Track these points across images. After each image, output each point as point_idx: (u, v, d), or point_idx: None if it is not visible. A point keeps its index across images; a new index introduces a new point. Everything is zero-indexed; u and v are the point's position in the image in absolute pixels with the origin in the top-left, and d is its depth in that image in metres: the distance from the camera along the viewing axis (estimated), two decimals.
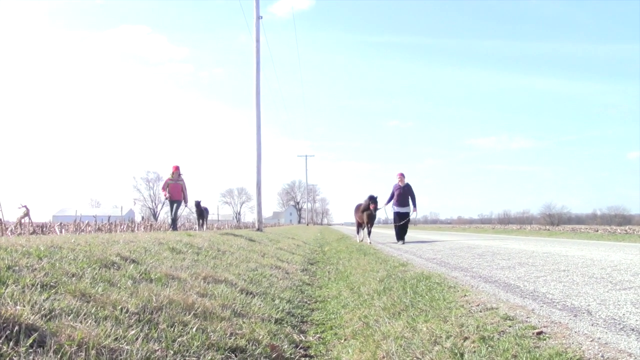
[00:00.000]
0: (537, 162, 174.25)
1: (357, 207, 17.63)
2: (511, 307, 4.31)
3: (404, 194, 16.42)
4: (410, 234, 19.03)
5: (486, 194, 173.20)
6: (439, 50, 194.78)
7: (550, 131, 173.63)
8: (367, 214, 16.55)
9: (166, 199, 17.26)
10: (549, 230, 32.11)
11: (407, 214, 16.45)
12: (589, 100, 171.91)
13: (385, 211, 17.19)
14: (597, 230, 26.86)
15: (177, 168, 17.18)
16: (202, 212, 20.27)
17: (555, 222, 70.59)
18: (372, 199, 16.28)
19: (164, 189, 17.31)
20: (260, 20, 25.38)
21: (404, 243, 15.45)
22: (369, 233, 17.13)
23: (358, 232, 19.03)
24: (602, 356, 2.87)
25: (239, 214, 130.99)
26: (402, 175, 16.58)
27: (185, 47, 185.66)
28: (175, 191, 17.02)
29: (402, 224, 16.29)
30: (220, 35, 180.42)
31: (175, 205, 17.16)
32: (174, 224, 17.60)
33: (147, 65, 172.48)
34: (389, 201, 16.70)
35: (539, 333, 3.44)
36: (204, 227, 20.83)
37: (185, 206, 17.86)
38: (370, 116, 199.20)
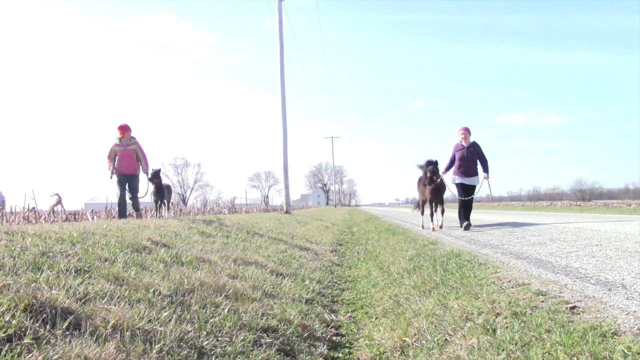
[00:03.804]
0: (567, 137, 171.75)
1: (420, 178, 12.54)
2: (543, 283, 4.25)
3: (470, 158, 11.29)
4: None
5: (515, 170, 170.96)
6: (464, 27, 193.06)
7: (580, 105, 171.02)
8: (429, 188, 11.64)
9: (112, 173, 11.75)
10: (580, 206, 31.61)
11: (472, 188, 11.47)
12: (619, 73, 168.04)
13: (445, 183, 11.84)
14: (630, 205, 26.33)
15: (125, 128, 11.84)
16: (161, 190, 13.52)
17: (586, 197, 69.16)
18: (430, 165, 11.58)
19: (109, 159, 11.78)
20: (282, 2, 25.35)
21: (468, 228, 10.98)
22: (442, 212, 12.20)
23: (422, 213, 13.08)
24: (639, 329, 2.82)
25: (267, 197, 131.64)
26: (466, 131, 11.40)
27: (211, 34, 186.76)
28: (127, 161, 11.84)
29: (466, 200, 11.39)
30: (245, 20, 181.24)
31: (128, 181, 11.97)
32: (134, 207, 12.43)
33: (173, 52, 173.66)
34: (447, 168, 11.65)
35: (573, 307, 3.39)
36: (165, 211, 14.16)
37: (147, 174, 12.57)
38: (396, 96, 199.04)
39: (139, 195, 12.44)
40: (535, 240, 7.74)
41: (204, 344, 3.28)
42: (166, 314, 3.50)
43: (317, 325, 4.48)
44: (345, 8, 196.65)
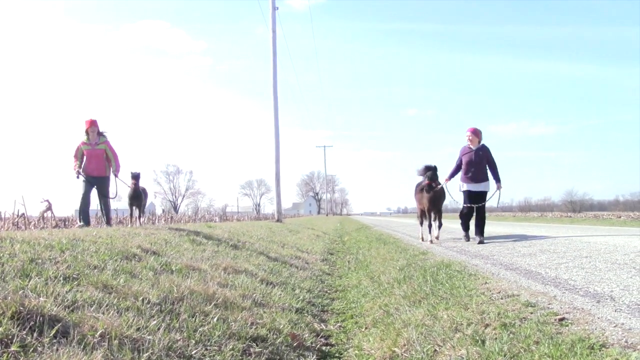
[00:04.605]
0: (558, 148, 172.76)
1: (417, 185, 11.24)
2: (532, 294, 4.27)
3: (478, 162, 10.13)
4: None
5: (507, 181, 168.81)
6: (457, 37, 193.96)
7: (571, 116, 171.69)
8: (427, 196, 10.40)
9: (78, 174, 10.29)
10: (570, 217, 31.71)
11: (483, 195, 10.23)
12: (610, 84, 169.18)
13: (447, 189, 10.67)
14: (620, 217, 26.46)
15: (92, 124, 10.48)
16: (138, 195, 11.93)
17: (577, 209, 69.49)
18: (428, 171, 10.34)
19: (75, 157, 10.45)
20: (276, 12, 25.47)
21: (481, 241, 9.75)
22: (439, 226, 11.00)
23: (421, 224, 11.46)
24: (626, 341, 2.83)
25: (259, 205, 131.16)
26: (474, 132, 10.31)
27: (204, 41, 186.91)
28: (95, 162, 10.46)
29: (476, 208, 10.19)
30: (238, 28, 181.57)
31: (96, 184, 10.45)
32: (105, 213, 10.89)
33: (166, 59, 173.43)
34: (453, 174, 10.55)
35: (561, 319, 3.40)
36: (140, 218, 12.61)
37: (116, 177, 10.83)
38: (389, 105, 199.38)
39: (110, 196, 10.89)
40: (526, 251, 7.77)
41: (193, 353, 3.27)
42: (155, 322, 3.48)
43: (307, 335, 4.48)
44: (339, 16, 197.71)
